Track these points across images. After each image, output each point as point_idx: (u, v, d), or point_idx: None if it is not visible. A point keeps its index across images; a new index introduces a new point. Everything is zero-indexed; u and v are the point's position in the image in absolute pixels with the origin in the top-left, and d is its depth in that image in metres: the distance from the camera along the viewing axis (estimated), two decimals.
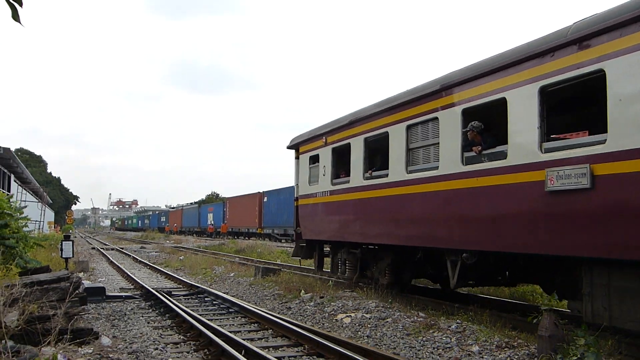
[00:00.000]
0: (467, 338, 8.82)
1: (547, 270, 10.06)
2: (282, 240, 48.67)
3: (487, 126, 9.95)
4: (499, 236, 9.12)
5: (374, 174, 13.00)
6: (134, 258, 32.21)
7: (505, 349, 8.05)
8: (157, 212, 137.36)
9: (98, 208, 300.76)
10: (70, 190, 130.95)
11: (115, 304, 13.68)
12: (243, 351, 8.34)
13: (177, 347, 9.26)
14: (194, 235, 76.71)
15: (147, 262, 28.24)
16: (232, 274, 20.43)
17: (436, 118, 10.59)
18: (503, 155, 9.00)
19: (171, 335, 10.30)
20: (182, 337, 10.06)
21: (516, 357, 7.64)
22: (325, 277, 16.59)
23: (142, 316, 12.19)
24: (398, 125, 11.83)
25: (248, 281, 17.94)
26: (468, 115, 9.91)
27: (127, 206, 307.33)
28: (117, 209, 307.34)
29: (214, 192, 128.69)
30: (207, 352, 8.79)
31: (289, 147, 18.20)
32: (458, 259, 10.33)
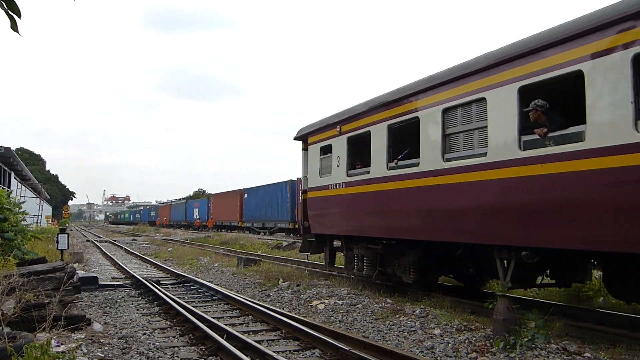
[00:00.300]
0: (430, 322, 8.84)
1: (622, 268, 8.26)
2: (261, 233, 49.16)
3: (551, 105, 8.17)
4: (578, 232, 7.14)
5: (400, 163, 10.99)
6: (125, 250, 31.80)
7: (464, 332, 8.08)
8: (147, 207, 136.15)
9: (93, 203, 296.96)
10: (67, 187, 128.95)
11: (107, 293, 13.46)
12: (225, 335, 8.26)
13: (164, 332, 9.14)
14: (182, 228, 76.29)
15: (138, 254, 27.89)
16: (216, 264, 20.27)
17: (483, 99, 8.62)
18: (579, 137, 7.11)
19: (159, 321, 10.15)
20: (169, 323, 9.93)
21: (474, 338, 7.67)
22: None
23: (132, 304, 12.01)
24: (432, 109, 9.79)
25: (231, 271, 17.80)
26: (526, 93, 8.02)
27: (120, 201, 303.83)
28: (110, 204, 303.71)
29: (201, 189, 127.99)
30: (192, 337, 8.68)
31: (296, 138, 16.12)
32: (512, 257, 8.46)
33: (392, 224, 11.20)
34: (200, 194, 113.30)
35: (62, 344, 7.44)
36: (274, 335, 8.88)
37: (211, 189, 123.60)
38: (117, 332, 8.86)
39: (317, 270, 17.66)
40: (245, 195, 55.08)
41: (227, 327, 8.75)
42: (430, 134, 9.85)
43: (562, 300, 10.84)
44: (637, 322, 8.45)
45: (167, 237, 46.70)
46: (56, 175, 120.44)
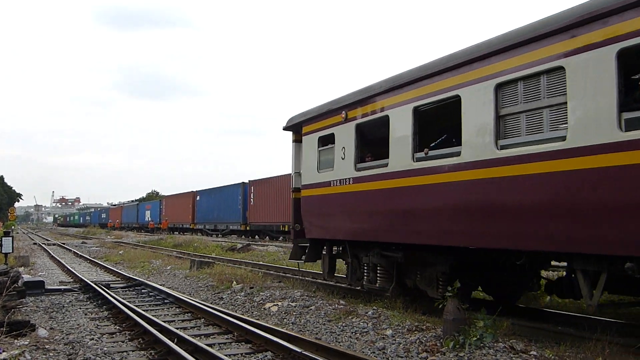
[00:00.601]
0: (382, 323, 8.91)
1: None
2: (213, 235, 49.84)
3: None
4: None
5: (432, 153, 9.12)
6: (74, 253, 30.95)
7: (416, 332, 8.17)
8: (98, 209, 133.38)
9: (41, 205, 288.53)
10: (13, 188, 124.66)
11: (54, 297, 13.06)
12: (175, 339, 8.12)
13: (113, 337, 8.92)
14: (134, 230, 75.08)
15: (88, 257, 27.19)
16: (168, 267, 19.94)
17: (560, 68, 6.87)
18: None
19: (107, 325, 9.91)
20: (118, 327, 9.70)
21: (425, 338, 7.77)
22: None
23: (80, 308, 11.69)
24: (480, 85, 7.95)
25: (184, 273, 17.55)
26: (627, 57, 6.33)
27: (70, 203, 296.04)
28: (59, 206, 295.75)
29: (154, 190, 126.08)
30: (142, 341, 8.51)
31: (285, 129, 13.93)
32: (603, 270, 6.89)
33: (418, 226, 9.30)
34: (153, 196, 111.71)
35: (4, 351, 7.17)
36: (226, 339, 8.79)
37: (165, 191, 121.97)
38: (63, 338, 8.60)
39: (271, 272, 17.61)
40: (198, 198, 55.89)
41: (177, 331, 8.62)
42: (477, 116, 8.02)
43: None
44: (581, 321, 8.73)
45: (119, 240, 45.70)
46: (1, 176, 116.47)
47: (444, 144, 9.46)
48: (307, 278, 15.70)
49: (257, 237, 44.73)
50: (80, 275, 17.18)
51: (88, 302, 12.58)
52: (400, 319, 8.90)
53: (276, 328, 8.84)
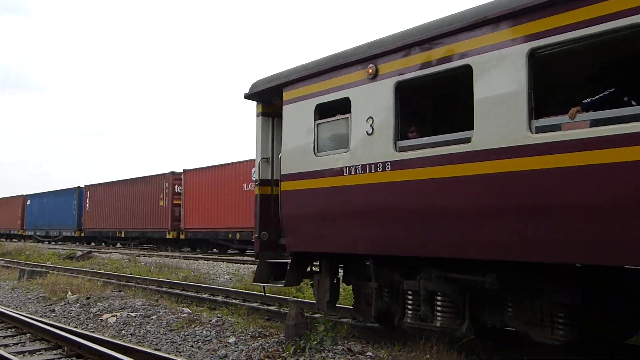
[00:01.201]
0: (226, 330, 8.86)
1: None
2: (45, 242, 47.43)
3: None
4: None
5: (582, 117, 5.63)
6: None
7: (259, 338, 8.23)
8: None
9: None
10: None
11: None
12: None
13: None
14: None
15: None
16: None
17: None
18: None
19: None
20: None
21: (267, 345, 7.84)
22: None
23: None
24: None
25: (11, 285, 16.08)
26: None
27: None
28: None
29: None
30: None
31: (248, 97, 9.83)
32: None
33: (542, 235, 5.75)
34: None
35: None
36: (55, 354, 8.19)
37: None
38: None
39: (112, 281, 16.79)
40: (29, 202, 52.89)
41: None
42: None
43: (351, 303, 11.53)
44: None
45: None
46: None
47: (616, 100, 5.90)
48: (150, 287, 15.18)
49: (92, 243, 42.79)
50: None
51: None
52: (244, 326, 8.92)
53: (112, 340, 8.42)
